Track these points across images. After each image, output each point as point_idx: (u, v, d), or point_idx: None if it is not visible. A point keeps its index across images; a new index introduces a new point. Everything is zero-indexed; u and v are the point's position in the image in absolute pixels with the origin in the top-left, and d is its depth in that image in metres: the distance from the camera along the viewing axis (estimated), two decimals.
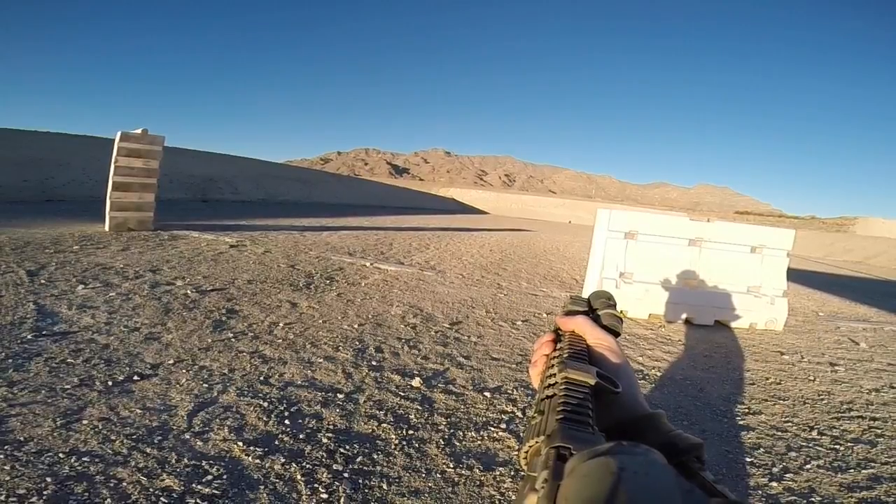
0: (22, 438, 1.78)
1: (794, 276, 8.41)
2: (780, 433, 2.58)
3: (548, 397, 0.38)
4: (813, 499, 2.00)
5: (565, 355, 0.45)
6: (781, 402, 3.03)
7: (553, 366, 0.44)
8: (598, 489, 0.22)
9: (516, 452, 2.06)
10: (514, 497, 1.80)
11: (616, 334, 0.53)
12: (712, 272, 4.97)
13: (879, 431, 2.72)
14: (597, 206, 6.07)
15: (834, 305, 7.26)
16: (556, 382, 0.39)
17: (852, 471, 2.25)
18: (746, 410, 2.85)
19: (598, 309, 0.58)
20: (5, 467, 1.61)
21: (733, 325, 4.93)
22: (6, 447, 1.71)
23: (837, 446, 2.49)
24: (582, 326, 0.51)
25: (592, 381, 0.39)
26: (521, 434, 2.23)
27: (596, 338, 0.49)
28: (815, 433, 2.62)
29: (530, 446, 0.33)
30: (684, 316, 4.89)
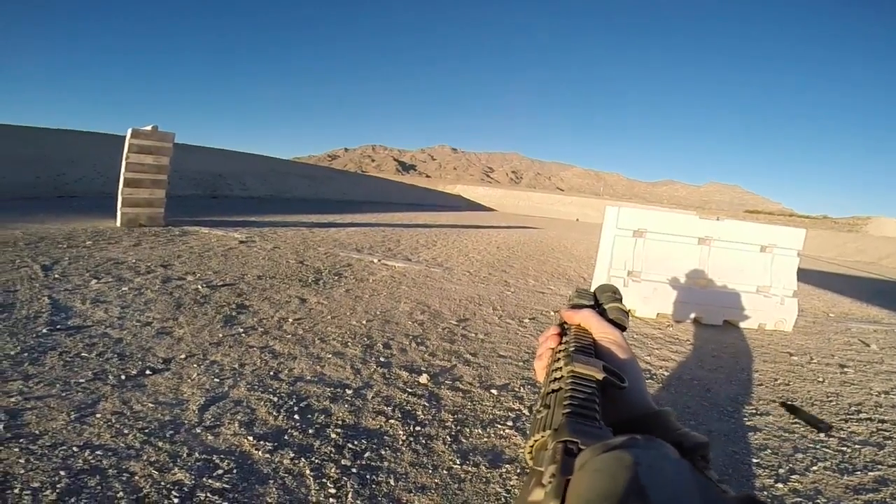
0: (37, 432, 1.81)
1: (805, 276, 8.33)
2: (787, 434, 2.57)
3: (554, 391, 0.38)
4: (819, 500, 2.00)
5: (571, 349, 0.45)
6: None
7: (559, 359, 0.43)
8: (613, 483, 0.21)
9: (522, 450, 2.07)
10: (518, 494, 1.81)
11: (622, 328, 0.52)
12: (721, 271, 4.94)
13: (888, 434, 2.70)
14: (605, 204, 6.05)
15: (845, 306, 7.19)
16: (563, 376, 0.39)
17: (859, 473, 2.24)
18: (754, 411, 2.84)
19: (604, 303, 0.57)
20: (20, 460, 1.64)
21: (742, 325, 4.90)
22: (21, 440, 1.75)
23: (845, 448, 2.48)
24: (588, 320, 0.51)
25: (600, 376, 0.38)
26: (527, 429, 2.24)
27: (602, 331, 0.49)
28: (822, 435, 2.60)
29: (536, 440, 0.33)
30: (693, 315, 4.87)
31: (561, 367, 0.40)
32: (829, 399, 3.15)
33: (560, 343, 0.50)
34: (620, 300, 0.58)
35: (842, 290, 9.03)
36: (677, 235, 4.95)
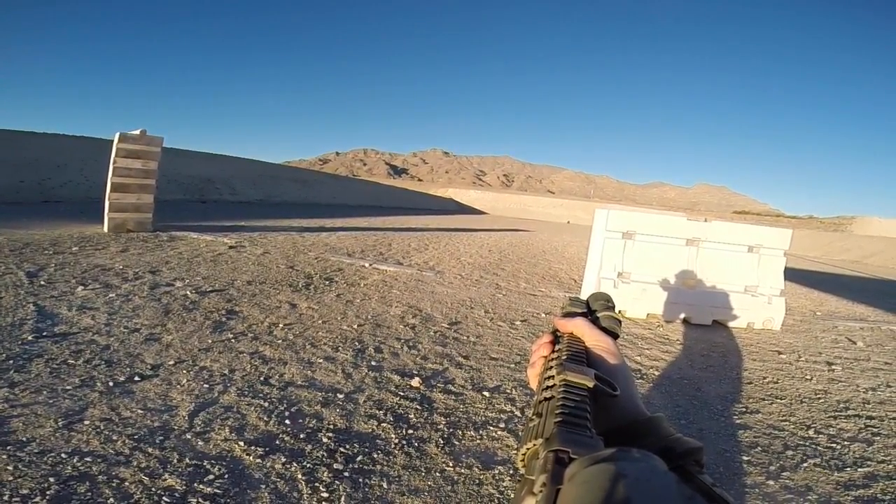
0: (24, 439, 1.78)
1: (792, 275, 8.44)
2: (777, 432, 2.60)
3: (546, 399, 0.38)
4: (810, 497, 2.02)
5: (564, 357, 0.45)
6: (779, 400, 3.05)
7: (551, 367, 0.43)
8: (599, 496, 0.22)
9: (514, 453, 2.07)
10: (511, 496, 1.82)
11: (615, 336, 0.52)
12: (710, 272, 5.00)
13: (876, 430, 2.74)
14: (595, 206, 6.10)
15: (831, 305, 7.29)
16: (555, 384, 0.39)
17: (849, 469, 2.27)
18: (744, 409, 2.87)
19: (596, 311, 0.57)
20: (8, 467, 1.61)
21: (731, 324, 4.95)
22: (9, 447, 1.72)
23: (834, 445, 2.51)
24: (581, 328, 0.51)
25: (591, 384, 0.38)
26: (520, 434, 2.24)
27: (595, 339, 0.49)
28: (811, 432, 2.64)
29: (528, 448, 0.33)
30: (682, 315, 4.91)
31: (553, 376, 0.40)
32: (818, 396, 3.19)
33: (553, 351, 0.50)
34: (613, 308, 0.58)
35: (828, 289, 9.16)
36: (666, 237, 4.99)
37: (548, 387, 0.40)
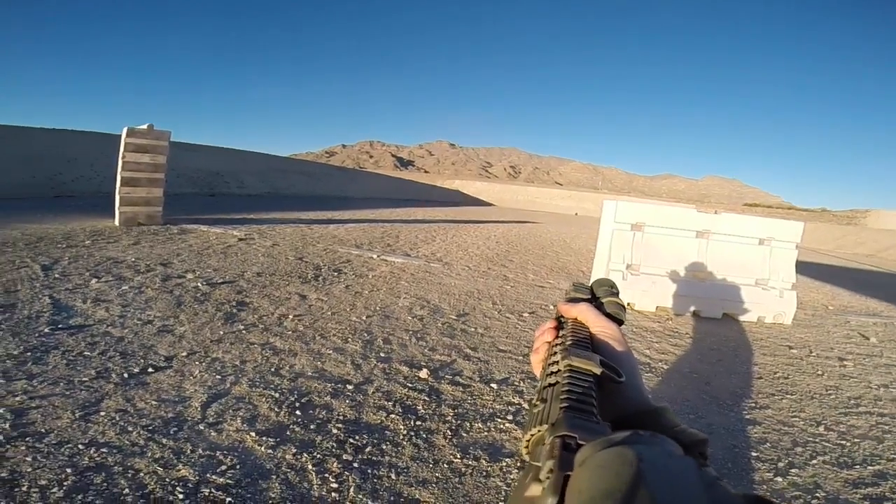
0: (43, 430, 1.82)
1: (804, 268, 8.35)
2: (786, 428, 2.59)
3: (550, 385, 0.38)
4: (818, 494, 2.01)
5: (568, 342, 0.44)
6: (789, 396, 3.03)
7: (556, 353, 0.43)
8: (616, 480, 0.21)
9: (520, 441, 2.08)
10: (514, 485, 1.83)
11: (619, 322, 0.52)
12: (720, 264, 4.96)
13: (887, 428, 2.72)
14: (603, 198, 6.06)
15: (844, 299, 7.21)
16: (560, 370, 0.39)
17: (858, 467, 2.26)
18: (753, 404, 2.86)
19: (601, 297, 0.57)
20: (27, 458, 1.65)
21: (741, 318, 4.92)
22: (28, 439, 1.76)
23: (844, 442, 2.49)
24: (585, 314, 0.50)
25: (597, 370, 0.38)
26: (524, 423, 2.25)
27: (599, 325, 0.49)
28: (821, 428, 2.62)
29: (532, 435, 0.32)
30: (692, 308, 4.89)
31: (558, 361, 0.40)
32: (829, 392, 3.17)
33: (557, 337, 0.50)
34: (617, 294, 0.57)
35: (841, 283, 9.06)
36: (676, 229, 4.96)
37: (552, 372, 0.40)
